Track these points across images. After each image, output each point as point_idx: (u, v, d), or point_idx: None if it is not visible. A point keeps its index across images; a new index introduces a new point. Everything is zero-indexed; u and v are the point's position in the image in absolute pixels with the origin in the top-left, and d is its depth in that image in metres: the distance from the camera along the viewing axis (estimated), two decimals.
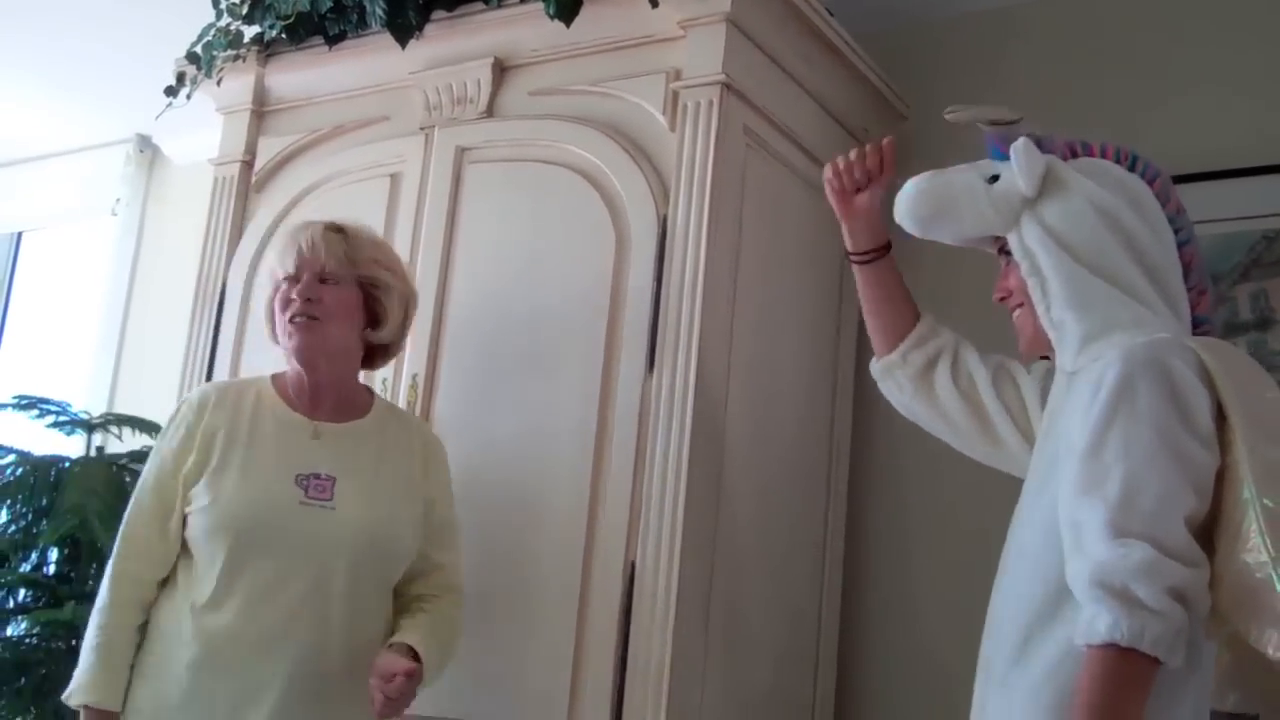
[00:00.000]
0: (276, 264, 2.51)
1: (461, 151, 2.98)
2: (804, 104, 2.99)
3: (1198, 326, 1.95)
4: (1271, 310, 2.87)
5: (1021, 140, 1.98)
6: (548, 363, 2.76)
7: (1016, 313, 2.04)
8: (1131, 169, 1.98)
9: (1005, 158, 2.00)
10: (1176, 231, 1.95)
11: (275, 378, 2.56)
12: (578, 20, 2.81)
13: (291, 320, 2.46)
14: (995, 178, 2.01)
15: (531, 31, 2.92)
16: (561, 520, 2.65)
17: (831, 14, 2.96)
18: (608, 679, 2.53)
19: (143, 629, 2.39)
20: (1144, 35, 3.13)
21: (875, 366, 2.29)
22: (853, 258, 2.29)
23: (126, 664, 2.36)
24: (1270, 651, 1.63)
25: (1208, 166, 2.96)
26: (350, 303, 2.50)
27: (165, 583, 2.41)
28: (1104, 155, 2.01)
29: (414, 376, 2.87)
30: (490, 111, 2.99)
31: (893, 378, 2.26)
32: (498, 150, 2.95)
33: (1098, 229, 1.91)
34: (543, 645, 2.61)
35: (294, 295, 2.46)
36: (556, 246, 2.81)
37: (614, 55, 2.85)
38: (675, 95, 2.75)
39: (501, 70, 2.99)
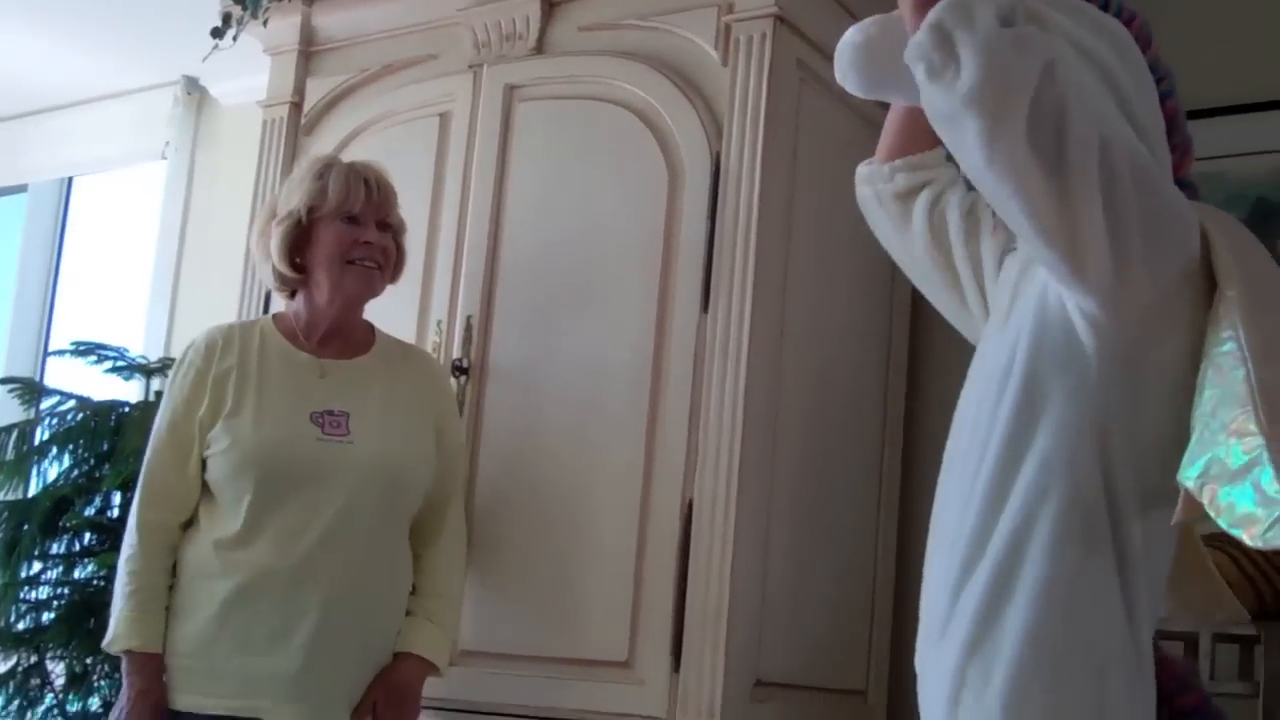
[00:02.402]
0: (317, 199, 2.50)
1: (511, 90, 2.96)
2: None
3: (1181, 190, 1.66)
4: None
5: None
6: (602, 303, 2.75)
7: None
8: (1104, 9, 1.71)
9: None
10: (1159, 81, 1.71)
11: (277, 317, 2.61)
12: None
13: (357, 264, 2.49)
14: None
15: None
16: (619, 460, 2.65)
17: None
18: (667, 618, 2.54)
19: (172, 571, 2.43)
20: None
21: (861, 169, 2.02)
22: None
23: (162, 606, 2.42)
24: (1247, 540, 1.46)
25: (1267, 96, 2.92)
26: (395, 252, 2.58)
27: (187, 524, 2.46)
28: None
29: (468, 318, 2.86)
30: (540, 48, 2.96)
31: (871, 186, 1.99)
32: (548, 88, 2.92)
33: (1083, 79, 1.61)
34: (601, 585, 2.62)
35: (367, 239, 2.50)
36: (609, 185, 2.79)
37: None
38: (727, 29, 2.71)
39: (550, 6, 2.96)
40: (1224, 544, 1.75)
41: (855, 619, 2.88)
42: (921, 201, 1.95)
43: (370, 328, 2.65)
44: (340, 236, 2.50)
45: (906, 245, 1.99)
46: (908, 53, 1.53)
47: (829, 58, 2.76)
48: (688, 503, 2.57)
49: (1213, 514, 1.50)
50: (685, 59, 2.76)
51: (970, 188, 1.91)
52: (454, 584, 2.58)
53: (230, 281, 3.37)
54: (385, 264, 2.56)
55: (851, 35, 1.83)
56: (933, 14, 1.49)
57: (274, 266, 2.54)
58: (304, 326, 2.56)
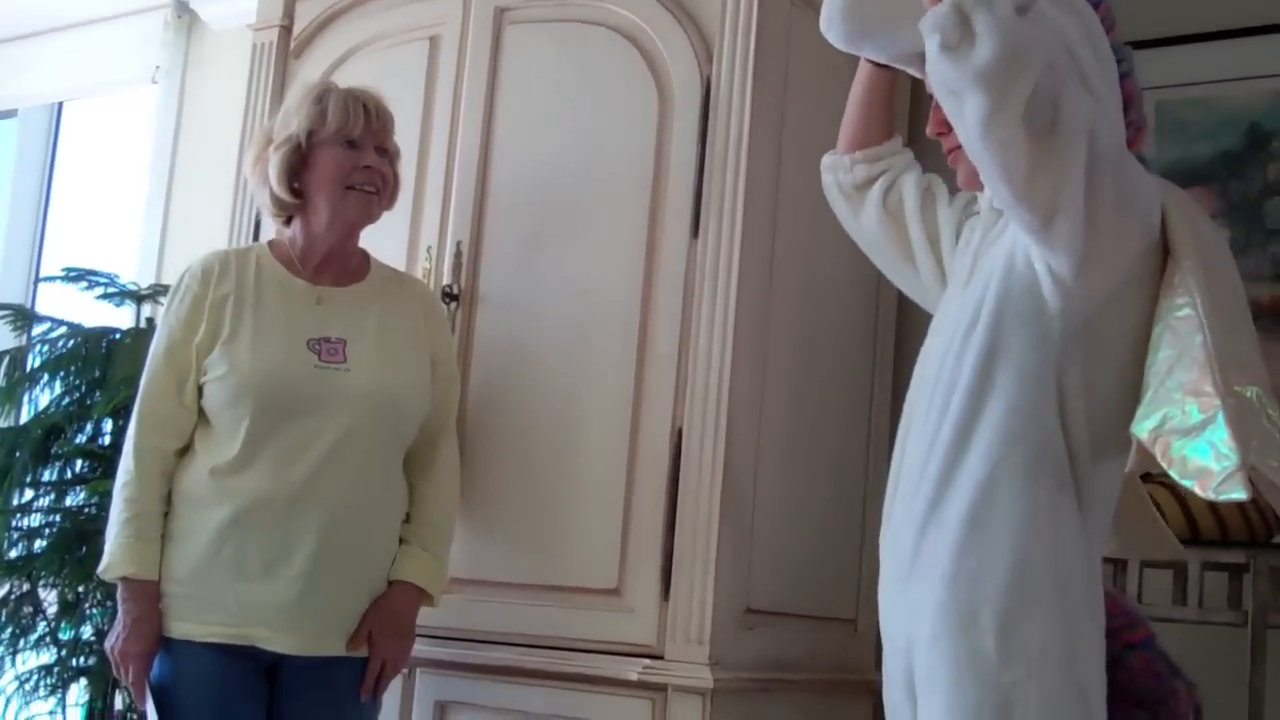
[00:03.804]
0: (317, 124, 2.48)
1: (500, 12, 2.92)
2: None
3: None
4: None
5: None
6: (592, 228, 2.73)
7: (952, 153, 1.91)
8: None
9: None
10: (1120, 62, 1.83)
11: (273, 244, 2.59)
12: None
13: (356, 188, 2.49)
14: None
15: None
16: (608, 387, 2.65)
17: None
18: (656, 546, 2.55)
19: (167, 498, 2.43)
20: None
21: (825, 159, 2.21)
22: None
23: (158, 533, 2.41)
24: (1199, 491, 1.60)
25: (1260, 20, 2.89)
26: (392, 177, 2.57)
27: (183, 451, 2.46)
28: None
29: (458, 245, 2.85)
30: None
31: (834, 175, 2.18)
32: (538, 10, 2.89)
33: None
34: (591, 513, 2.62)
35: (366, 164, 2.49)
36: (599, 109, 2.77)
37: None
38: None
39: None
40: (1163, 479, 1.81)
41: (845, 547, 2.89)
42: (877, 189, 2.13)
43: (365, 255, 2.63)
44: (340, 161, 2.49)
45: (863, 229, 2.16)
46: (923, 22, 1.62)
47: None
48: (677, 430, 2.57)
49: (1165, 465, 1.64)
50: None
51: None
52: (448, 513, 2.58)
53: (221, 206, 3.35)
54: (384, 189, 2.55)
55: None
56: None
57: (272, 191, 2.52)
58: (300, 253, 2.54)
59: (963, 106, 1.61)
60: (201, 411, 2.45)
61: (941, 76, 1.63)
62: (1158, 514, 2.05)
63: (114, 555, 2.39)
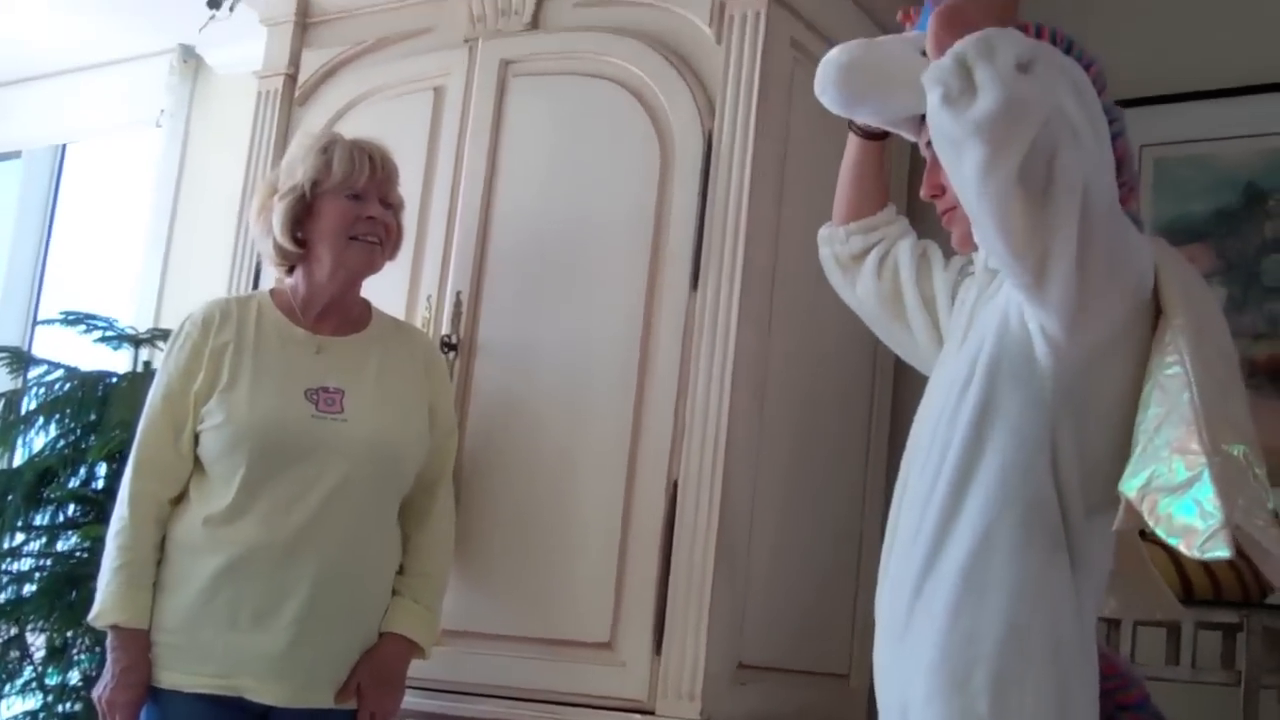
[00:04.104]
0: (321, 174, 2.49)
1: (506, 64, 2.94)
2: (851, 12, 2.94)
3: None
4: None
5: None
6: (592, 279, 2.74)
7: (947, 215, 1.92)
8: (1068, 52, 1.82)
9: None
10: (1111, 123, 1.81)
11: (274, 292, 2.60)
12: None
13: (360, 239, 2.50)
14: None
15: None
16: (605, 438, 2.65)
17: None
18: (650, 597, 2.54)
19: (160, 546, 2.42)
20: None
21: (821, 231, 2.23)
22: (855, 129, 2.17)
23: (150, 581, 2.40)
24: (1184, 549, 1.59)
25: (1258, 79, 2.91)
26: (395, 228, 2.59)
27: (178, 499, 2.45)
28: (1039, 35, 1.82)
29: (458, 294, 2.86)
30: (535, 23, 2.94)
31: (830, 248, 2.21)
32: (542, 63, 2.91)
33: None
34: (585, 565, 2.61)
35: (370, 215, 2.51)
36: (601, 162, 2.78)
37: None
38: (722, 7, 2.71)
39: None
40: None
41: (838, 602, 2.88)
42: (872, 259, 2.16)
43: (367, 305, 2.64)
44: (344, 211, 2.50)
45: (860, 299, 2.18)
46: (926, 75, 1.64)
47: (823, 36, 2.81)
48: (673, 483, 2.57)
49: (1151, 523, 1.62)
50: (680, 36, 2.76)
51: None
52: (442, 565, 2.57)
53: (222, 251, 3.35)
54: (386, 240, 2.56)
55: (836, 54, 1.95)
56: (959, 45, 1.61)
57: (275, 241, 2.52)
58: (301, 302, 2.55)
59: (961, 158, 1.61)
60: (197, 460, 2.45)
61: (942, 128, 1.63)
62: (1156, 573, 2.04)
63: (105, 603, 2.38)
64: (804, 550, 2.79)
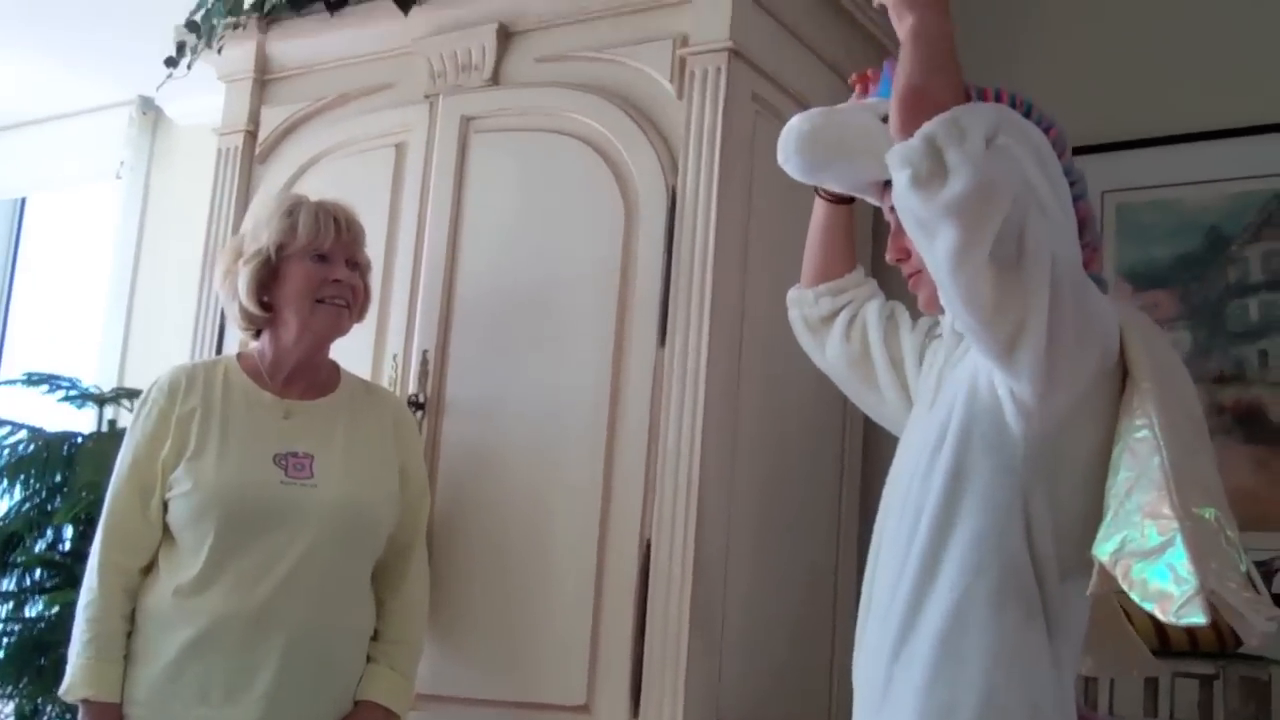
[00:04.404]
0: (287, 237, 2.49)
1: (467, 121, 2.93)
2: (812, 65, 2.94)
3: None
4: None
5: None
6: (558, 337, 2.73)
7: (913, 278, 1.93)
8: (1028, 115, 1.84)
9: None
10: (1072, 185, 1.84)
11: (241, 356, 2.59)
12: None
13: (326, 302, 2.49)
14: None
15: None
16: (576, 496, 2.63)
17: None
18: (626, 657, 2.52)
19: (131, 617, 2.40)
20: None
21: (790, 293, 2.26)
22: (821, 194, 2.20)
23: (120, 654, 2.38)
24: (1160, 615, 1.60)
25: (1220, 124, 2.92)
26: (362, 290, 2.58)
27: (148, 567, 2.43)
28: (998, 99, 1.82)
29: (424, 353, 2.84)
30: (496, 79, 2.93)
31: (799, 310, 2.23)
32: (504, 119, 2.90)
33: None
34: (559, 626, 2.59)
35: (336, 278, 2.49)
36: (565, 218, 2.77)
37: (620, 20, 2.80)
38: (682, 62, 2.70)
39: (507, 36, 2.94)
40: None
41: (815, 654, 2.87)
42: (840, 321, 2.18)
43: (335, 367, 2.63)
44: (310, 274, 2.49)
45: (829, 361, 2.20)
46: (891, 156, 1.64)
47: (784, 90, 2.81)
48: (645, 540, 2.55)
49: (1125, 588, 1.63)
50: (640, 92, 2.75)
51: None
52: (417, 631, 2.55)
53: (185, 304, 3.33)
54: (354, 302, 2.55)
55: (798, 123, 1.97)
56: (928, 126, 1.62)
57: (241, 305, 2.52)
58: (269, 366, 2.53)
59: (933, 239, 1.62)
60: (166, 528, 2.43)
61: (912, 210, 1.64)
62: (1132, 631, 2.04)
63: (75, 676, 2.36)
64: (779, 604, 2.77)
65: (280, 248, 2.49)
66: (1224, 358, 2.84)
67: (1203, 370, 2.81)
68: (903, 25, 1.74)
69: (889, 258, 1.96)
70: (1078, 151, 1.92)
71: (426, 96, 3.01)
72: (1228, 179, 2.90)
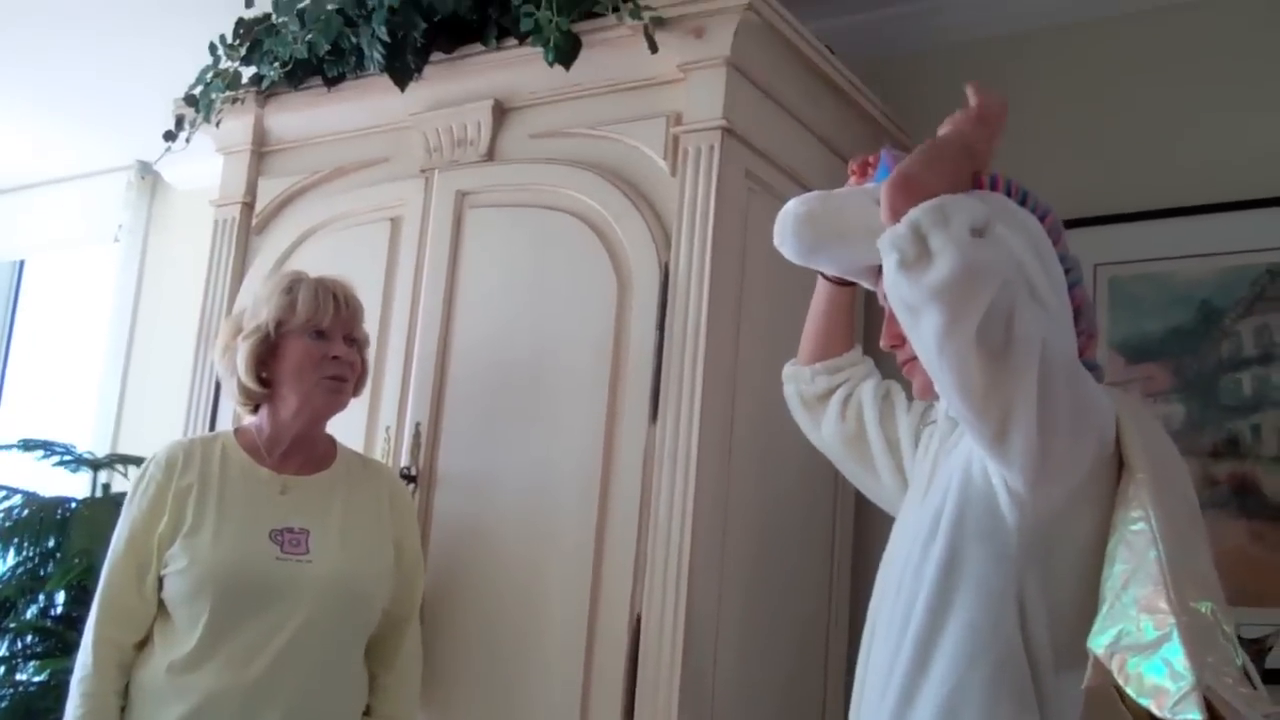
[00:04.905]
0: (286, 314, 2.50)
1: (462, 196, 2.95)
2: (806, 142, 2.96)
3: (1089, 371, 1.81)
4: (1275, 345, 2.83)
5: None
6: (551, 412, 2.73)
7: (907, 365, 1.93)
8: (1023, 203, 1.86)
9: None
10: (1067, 272, 1.85)
11: (239, 432, 2.59)
12: (577, 61, 2.78)
13: (326, 378, 2.50)
14: None
15: (531, 73, 2.88)
16: (566, 573, 2.63)
17: (832, 51, 2.92)
18: None
19: (124, 692, 2.40)
20: (1149, 64, 3.09)
21: (786, 368, 2.27)
22: (824, 275, 2.19)
23: None
24: (1155, 710, 1.58)
25: (1212, 198, 2.94)
26: (361, 366, 2.60)
27: (142, 643, 2.43)
28: (994, 187, 1.85)
29: (418, 425, 2.85)
30: (491, 154, 2.96)
31: (795, 385, 2.24)
32: (498, 195, 2.92)
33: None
34: (549, 702, 2.58)
35: (336, 355, 2.52)
36: (558, 293, 2.78)
37: (614, 97, 2.83)
38: (676, 140, 2.72)
39: (502, 112, 2.96)
40: None
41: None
42: (836, 399, 2.19)
43: (332, 441, 2.63)
44: (309, 351, 2.50)
45: (824, 438, 2.20)
46: (881, 240, 1.66)
47: (778, 167, 2.83)
48: (636, 616, 2.55)
49: (1120, 681, 1.62)
50: (634, 168, 2.77)
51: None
52: (409, 708, 2.55)
53: (180, 371, 3.34)
54: (352, 378, 2.57)
55: (794, 206, 1.96)
56: (913, 213, 1.64)
57: (239, 380, 2.52)
58: (266, 441, 2.54)
59: (919, 322, 1.63)
60: (162, 604, 2.43)
61: (899, 293, 1.65)
62: (1127, 714, 2.03)
63: None
64: (768, 681, 2.77)
65: (279, 324, 2.50)
66: (1218, 431, 2.84)
67: (1197, 444, 2.82)
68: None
69: (883, 344, 1.97)
70: (1069, 224, 1.93)
71: (422, 171, 3.03)
72: (1220, 253, 2.91)
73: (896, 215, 1.67)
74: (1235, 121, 2.96)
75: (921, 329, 1.64)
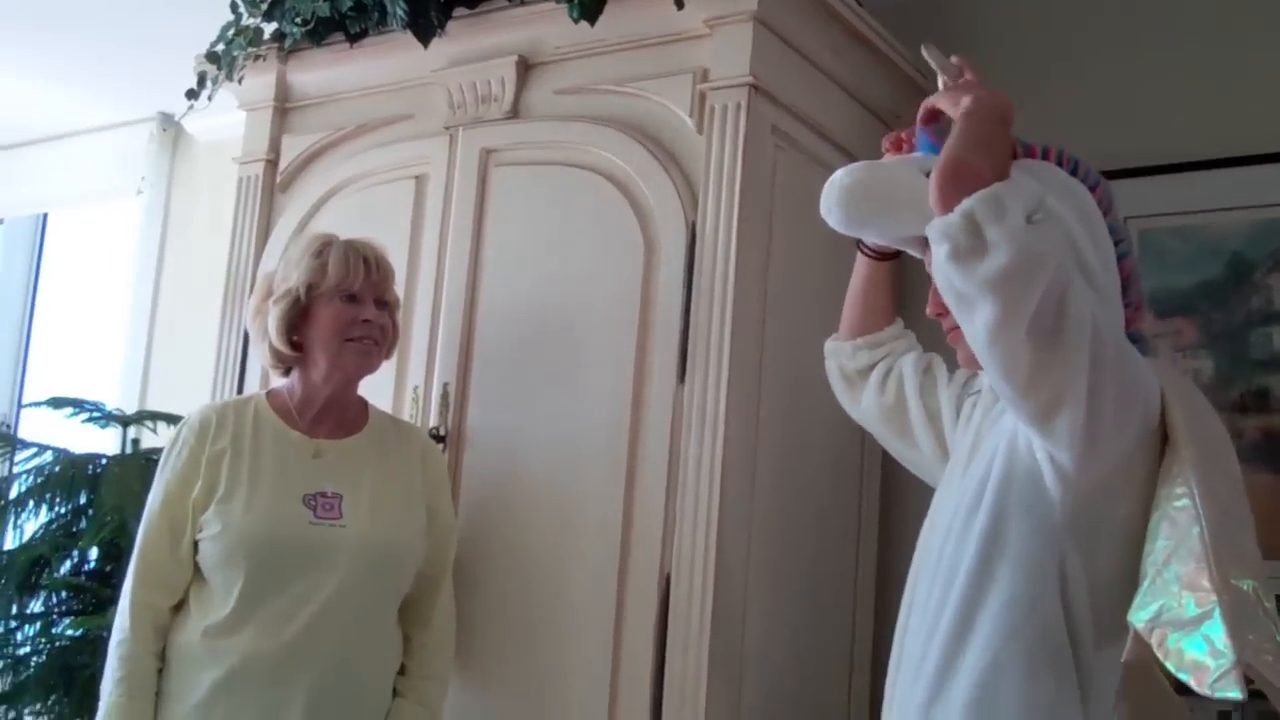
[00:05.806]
0: (316, 277, 2.50)
1: (487, 154, 2.94)
2: (833, 95, 2.93)
3: (1134, 344, 1.81)
4: None
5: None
6: (578, 372, 2.73)
7: (952, 333, 1.91)
8: (1073, 174, 1.84)
9: (938, 150, 1.79)
10: (1117, 244, 1.83)
11: (271, 395, 2.59)
12: (602, 16, 2.75)
13: (355, 341, 2.50)
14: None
15: (555, 28, 2.85)
16: (595, 533, 2.64)
17: (860, 3, 2.89)
18: (645, 693, 2.53)
19: (161, 654, 2.42)
20: (1181, 14, 3.05)
21: (827, 344, 2.26)
22: (864, 250, 2.18)
23: (153, 692, 2.40)
24: (1194, 686, 1.58)
25: (1244, 150, 2.90)
26: (391, 329, 2.59)
27: (179, 605, 2.45)
28: (1045, 157, 1.84)
29: (445, 386, 2.85)
30: (515, 111, 2.94)
31: (836, 360, 2.24)
32: (523, 153, 2.90)
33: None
34: (579, 661, 2.60)
35: (366, 318, 2.51)
36: (585, 253, 2.77)
37: (640, 53, 2.80)
38: (702, 96, 2.69)
39: (526, 68, 2.94)
40: None
41: (834, 689, 2.88)
42: (877, 373, 2.17)
43: (364, 404, 2.64)
44: (340, 314, 2.50)
45: (864, 412, 2.19)
46: (931, 229, 1.65)
47: (805, 123, 2.81)
48: (665, 576, 2.56)
49: (1160, 656, 1.63)
50: (660, 126, 2.75)
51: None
52: (444, 666, 2.57)
53: (206, 326, 3.35)
54: (383, 341, 2.56)
55: (840, 176, 1.92)
56: (967, 202, 1.62)
57: (271, 344, 2.53)
58: (298, 404, 2.55)
59: (972, 313, 1.62)
60: (197, 567, 2.44)
61: (950, 283, 1.64)
62: (1167, 685, 2.02)
63: (107, 714, 2.38)
64: (798, 637, 2.78)
65: (310, 288, 2.50)
66: (1246, 385, 2.83)
67: (1225, 398, 2.81)
68: (958, 108, 1.75)
69: (929, 312, 1.94)
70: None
71: (446, 128, 3.01)
72: (1251, 206, 2.88)
73: (949, 204, 1.64)
74: (1268, 74, 2.92)
75: (974, 319, 1.63)
